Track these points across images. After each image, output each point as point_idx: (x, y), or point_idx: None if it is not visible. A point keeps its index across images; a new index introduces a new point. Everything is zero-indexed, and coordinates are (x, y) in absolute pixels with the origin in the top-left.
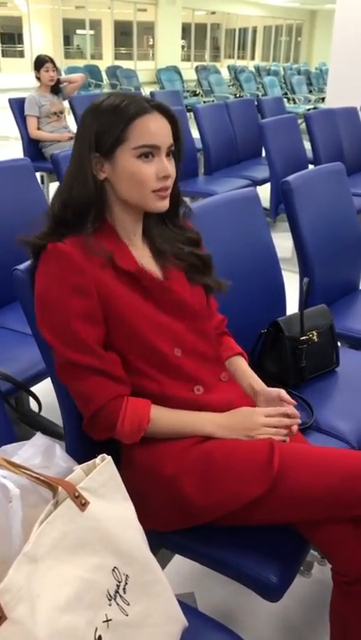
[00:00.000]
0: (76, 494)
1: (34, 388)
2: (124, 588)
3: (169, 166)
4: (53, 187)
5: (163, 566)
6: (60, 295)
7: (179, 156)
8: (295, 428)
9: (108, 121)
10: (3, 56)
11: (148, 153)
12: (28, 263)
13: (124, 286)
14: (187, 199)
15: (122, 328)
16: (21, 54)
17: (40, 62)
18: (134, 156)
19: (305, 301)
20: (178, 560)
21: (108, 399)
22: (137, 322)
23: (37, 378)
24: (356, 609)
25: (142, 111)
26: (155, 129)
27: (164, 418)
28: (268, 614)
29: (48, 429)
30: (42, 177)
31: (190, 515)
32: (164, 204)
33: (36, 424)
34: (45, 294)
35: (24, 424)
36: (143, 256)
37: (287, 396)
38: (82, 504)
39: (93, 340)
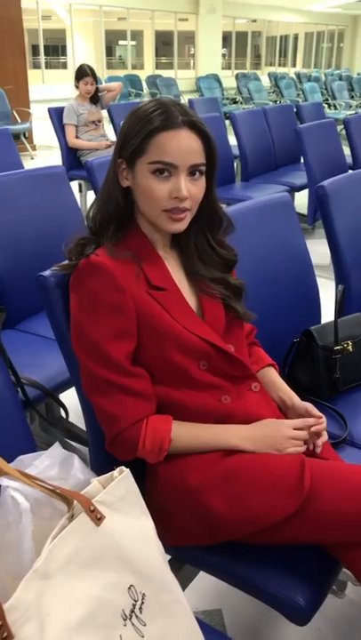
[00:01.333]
0: (92, 508)
1: (63, 395)
2: (140, 608)
3: (185, 187)
4: (91, 195)
5: (187, 583)
6: (95, 315)
7: (213, 176)
8: (321, 441)
9: (135, 128)
10: (46, 68)
11: (163, 169)
12: (53, 268)
13: (156, 300)
14: (223, 205)
15: (151, 342)
16: (64, 66)
17: (81, 74)
18: (149, 170)
19: (340, 309)
20: (205, 575)
21: (130, 423)
22: (166, 338)
23: (66, 385)
24: None
25: (168, 126)
26: (175, 147)
27: (187, 434)
28: (298, 635)
29: (77, 436)
30: (80, 185)
31: (216, 531)
32: (177, 227)
33: (67, 431)
34: (80, 312)
35: (54, 431)
36: (175, 269)
37: (315, 411)
38: (97, 519)
39: (123, 357)
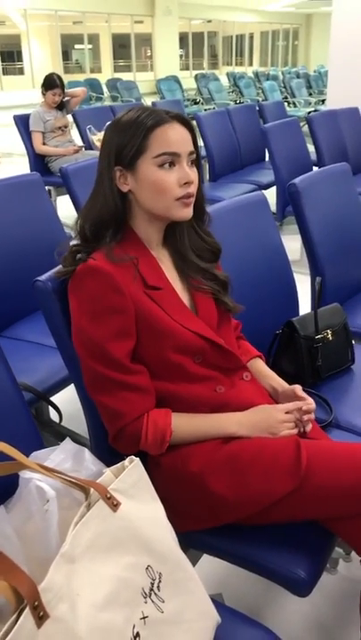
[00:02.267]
0: (108, 496)
1: (53, 398)
2: (158, 586)
3: (191, 173)
4: (61, 200)
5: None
6: (96, 317)
7: (199, 165)
8: (309, 421)
9: (128, 133)
10: (3, 74)
11: (168, 161)
12: (49, 273)
13: (153, 299)
14: None
15: (149, 339)
16: (21, 71)
17: (51, 84)
18: (155, 164)
19: (318, 301)
20: (205, 561)
21: (133, 417)
22: (163, 335)
23: (57, 388)
24: None
25: (161, 121)
26: (174, 137)
27: (186, 425)
28: (296, 612)
29: (70, 439)
30: (49, 191)
31: (219, 513)
32: (188, 212)
33: (58, 434)
34: (81, 315)
35: (45, 433)
36: (168, 267)
37: (301, 392)
38: (114, 505)
39: (124, 355)
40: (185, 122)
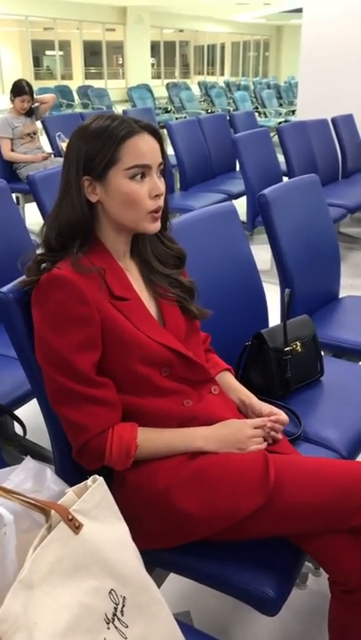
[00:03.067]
0: (70, 517)
1: (18, 411)
2: (121, 611)
3: (161, 185)
4: (29, 207)
5: (158, 585)
6: (60, 328)
7: (165, 174)
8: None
9: (98, 143)
10: None
11: (140, 173)
12: (12, 284)
13: (119, 310)
14: None
15: (115, 351)
16: None
17: (18, 91)
18: (127, 176)
19: (287, 312)
20: (173, 579)
21: (97, 432)
22: (129, 346)
23: (21, 401)
24: (355, 617)
25: (132, 132)
26: (145, 149)
27: (152, 439)
28: (265, 629)
29: (35, 453)
30: (17, 198)
31: (186, 530)
32: (157, 226)
33: (22, 448)
34: (44, 326)
35: (10, 448)
36: (136, 278)
37: (271, 410)
38: (76, 527)
39: (89, 367)
40: (154, 132)
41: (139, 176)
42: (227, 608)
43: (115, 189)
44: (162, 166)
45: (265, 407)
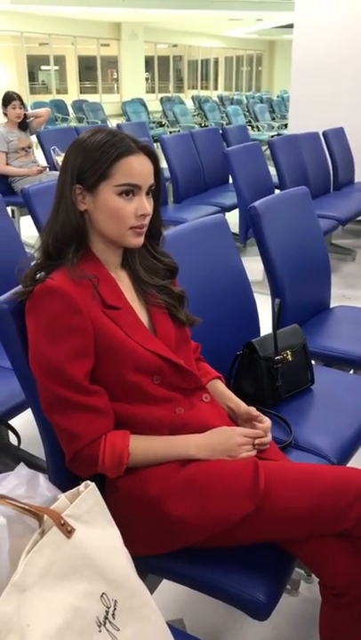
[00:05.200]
0: (62, 522)
1: (12, 422)
2: (113, 614)
3: (147, 205)
4: (24, 220)
5: (151, 591)
6: (54, 337)
7: (159, 194)
8: (267, 439)
9: (94, 156)
10: None
11: (129, 191)
12: (6, 295)
13: (111, 319)
14: None
15: (107, 359)
16: None
17: (7, 99)
18: (116, 192)
19: (277, 322)
20: (165, 587)
21: (90, 439)
22: (121, 354)
23: (15, 411)
24: (346, 620)
25: (128, 151)
26: (138, 169)
27: (144, 447)
28: (258, 635)
29: (29, 462)
30: (12, 211)
31: (177, 536)
32: (139, 240)
33: (16, 457)
34: (37, 335)
35: (4, 458)
36: (127, 288)
37: (256, 413)
38: (68, 531)
39: (82, 376)
40: (151, 154)
41: (127, 194)
42: (220, 616)
43: (102, 203)
44: (153, 187)
45: (252, 410)
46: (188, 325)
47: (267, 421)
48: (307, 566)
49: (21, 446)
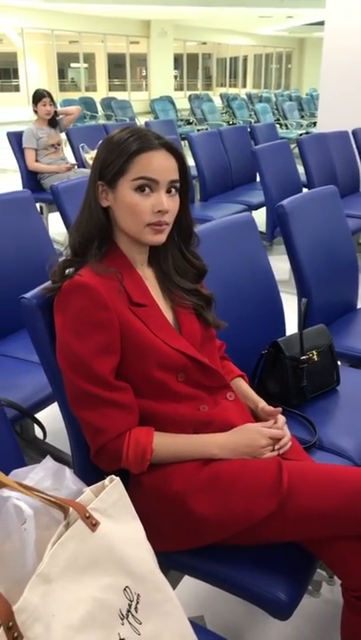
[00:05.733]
0: (87, 515)
1: (38, 415)
2: (135, 608)
3: (166, 202)
4: (52, 217)
5: (173, 587)
6: (81, 333)
7: (187, 192)
8: (287, 439)
9: (114, 152)
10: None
11: (145, 186)
12: (35, 291)
13: (137, 316)
14: None
15: (133, 356)
16: (17, 89)
17: (38, 97)
18: (132, 187)
19: (304, 321)
20: (187, 583)
21: (115, 434)
22: (146, 352)
23: (41, 405)
24: None
25: (148, 147)
26: (157, 164)
27: (167, 444)
28: (278, 635)
29: (54, 456)
30: (41, 207)
31: (200, 534)
32: (158, 238)
33: (42, 451)
34: (65, 331)
35: (30, 451)
36: (153, 285)
37: (271, 410)
38: (92, 524)
39: (108, 371)
40: (173, 150)
41: (145, 189)
42: (241, 614)
43: (120, 198)
44: (176, 184)
45: (269, 408)
46: (213, 328)
47: (280, 420)
48: (329, 568)
49: (47, 440)
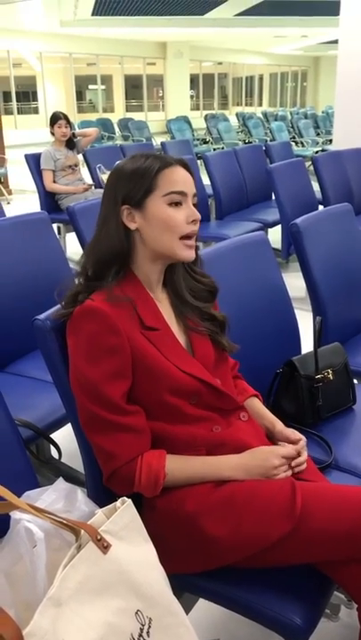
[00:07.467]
0: (98, 537)
1: (53, 435)
2: (147, 632)
3: (197, 211)
4: (70, 237)
5: (187, 611)
6: (92, 358)
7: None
8: (303, 458)
9: (137, 173)
10: (18, 113)
11: (177, 200)
12: (49, 312)
13: (149, 340)
14: (200, 244)
15: (145, 380)
16: (36, 111)
17: (54, 119)
18: (165, 202)
19: (318, 340)
20: (203, 606)
21: (127, 459)
22: (158, 376)
23: (57, 424)
24: None
25: (168, 163)
26: (180, 178)
27: (180, 468)
28: None
29: (68, 476)
30: (58, 228)
31: (214, 556)
32: (191, 254)
33: (57, 471)
34: (77, 355)
35: (45, 471)
36: (166, 308)
37: (288, 434)
38: (104, 547)
39: (120, 396)
40: (187, 166)
41: (175, 203)
42: (257, 637)
43: (153, 215)
44: (196, 197)
45: (289, 433)
46: (227, 351)
47: (301, 441)
48: (345, 590)
49: (63, 460)
